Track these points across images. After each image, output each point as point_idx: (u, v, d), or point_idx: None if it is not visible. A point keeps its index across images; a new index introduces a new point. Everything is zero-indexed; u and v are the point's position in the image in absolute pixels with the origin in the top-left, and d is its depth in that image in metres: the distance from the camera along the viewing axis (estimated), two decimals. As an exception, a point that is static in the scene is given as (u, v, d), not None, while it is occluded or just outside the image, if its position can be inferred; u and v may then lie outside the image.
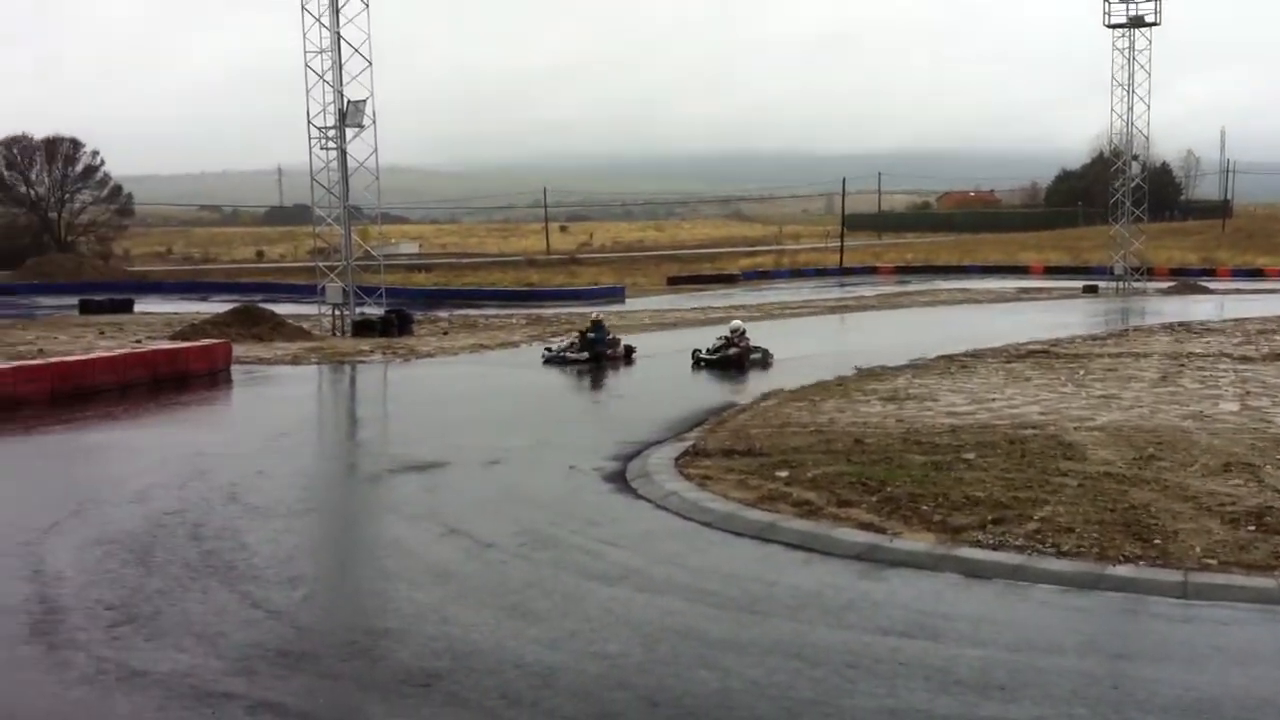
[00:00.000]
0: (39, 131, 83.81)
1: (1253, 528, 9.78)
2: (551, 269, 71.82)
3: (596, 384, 21.90)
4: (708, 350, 23.59)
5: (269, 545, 10.08)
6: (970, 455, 12.89)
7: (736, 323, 24.83)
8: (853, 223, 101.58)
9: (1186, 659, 7.26)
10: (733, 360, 23.21)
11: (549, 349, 25.64)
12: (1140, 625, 7.98)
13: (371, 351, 27.31)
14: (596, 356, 24.30)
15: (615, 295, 50.78)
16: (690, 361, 23.54)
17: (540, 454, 13.37)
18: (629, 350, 25.44)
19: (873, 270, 73.10)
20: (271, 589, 8.80)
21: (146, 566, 9.34)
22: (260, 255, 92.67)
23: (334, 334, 32.41)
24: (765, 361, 23.85)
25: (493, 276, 64.48)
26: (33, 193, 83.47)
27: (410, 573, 9.35)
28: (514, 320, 37.28)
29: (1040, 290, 51.58)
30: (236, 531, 10.54)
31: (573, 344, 24.92)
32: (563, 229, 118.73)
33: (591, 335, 24.61)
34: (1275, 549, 9.17)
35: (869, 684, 6.79)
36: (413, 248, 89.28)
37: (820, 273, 71.04)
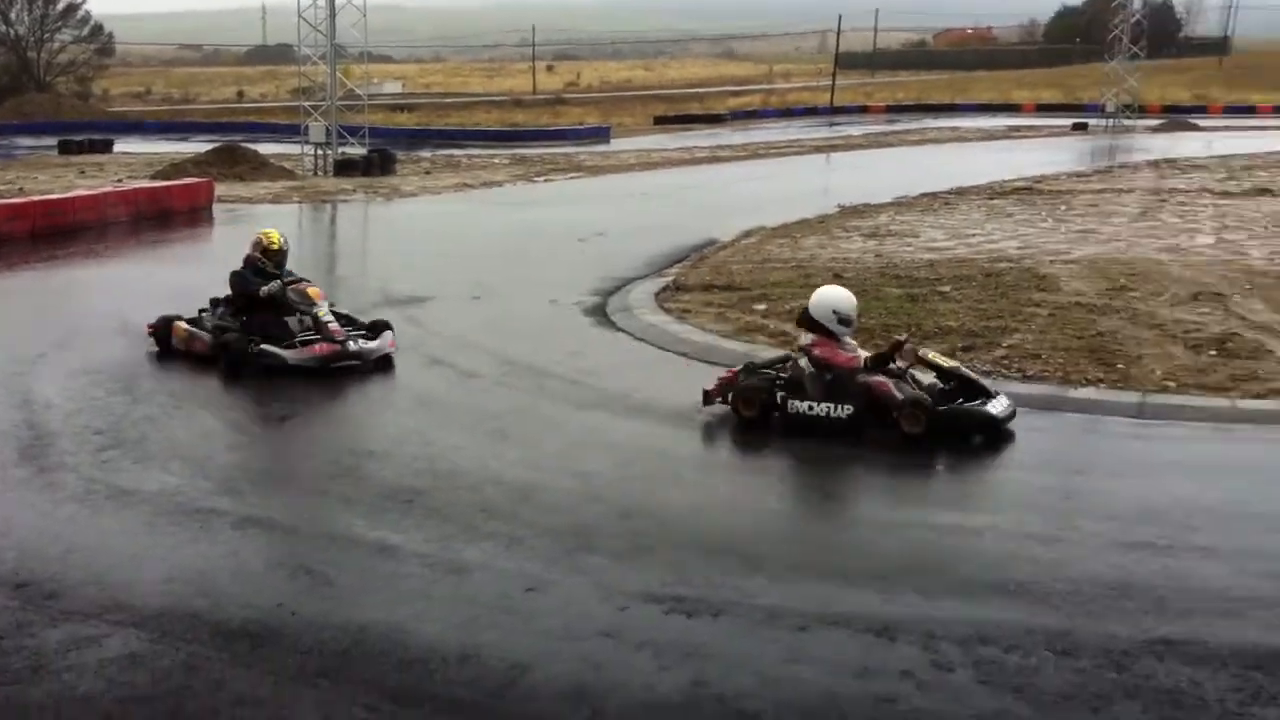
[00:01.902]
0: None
1: (1214, 353, 10.05)
2: (537, 109, 70.84)
3: (577, 224, 21.87)
4: None
5: (256, 376, 10.28)
6: (946, 288, 13.07)
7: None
8: (846, 62, 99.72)
9: (1138, 473, 7.58)
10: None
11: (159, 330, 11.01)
12: (1096, 443, 8.28)
13: (354, 191, 27.18)
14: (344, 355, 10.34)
15: (600, 136, 50.20)
16: None
17: (522, 290, 13.50)
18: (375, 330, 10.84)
19: (863, 109, 72.09)
20: (257, 416, 9.04)
21: (132, 395, 9.53)
22: (241, 95, 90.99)
23: (316, 173, 32.16)
24: None
25: (477, 117, 63.59)
26: (12, 32, 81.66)
27: (395, 400, 9.62)
28: (498, 160, 36.97)
29: (1030, 128, 51.08)
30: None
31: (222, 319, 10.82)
32: (549, 68, 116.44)
33: (269, 287, 10.57)
34: (1233, 372, 9.46)
35: (828, 498, 7.09)
36: (396, 87, 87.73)
37: (810, 112, 70.05)
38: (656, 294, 13.69)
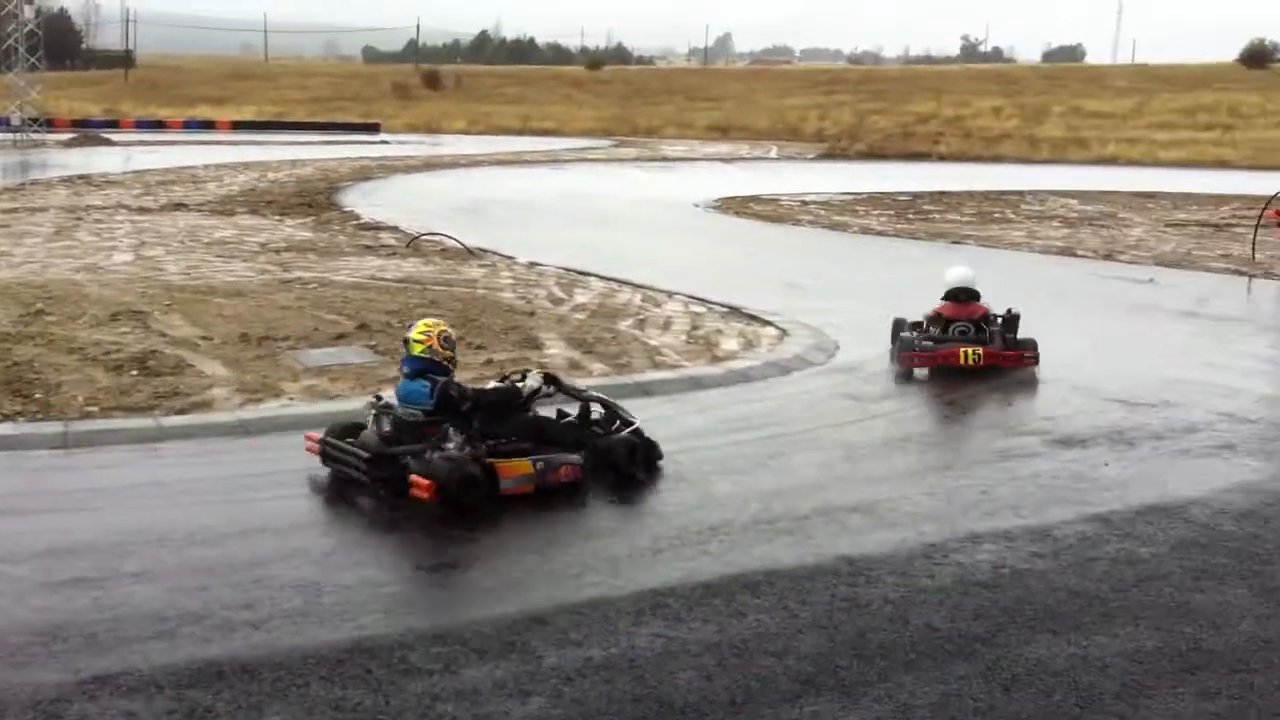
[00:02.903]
0: None
1: (136, 372, 10.04)
2: None
3: None
4: None
5: None
6: None
7: None
8: None
9: (66, 507, 7.22)
10: None
11: None
12: (16, 481, 7.73)
13: None
14: None
15: None
16: None
17: None
18: None
19: None
20: None
21: None
22: None
23: None
24: None
25: None
26: None
27: None
28: None
29: (-73, 142, 47.05)
30: None
31: None
32: None
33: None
34: (156, 390, 9.52)
35: None
36: None
37: None
38: None
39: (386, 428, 7.52)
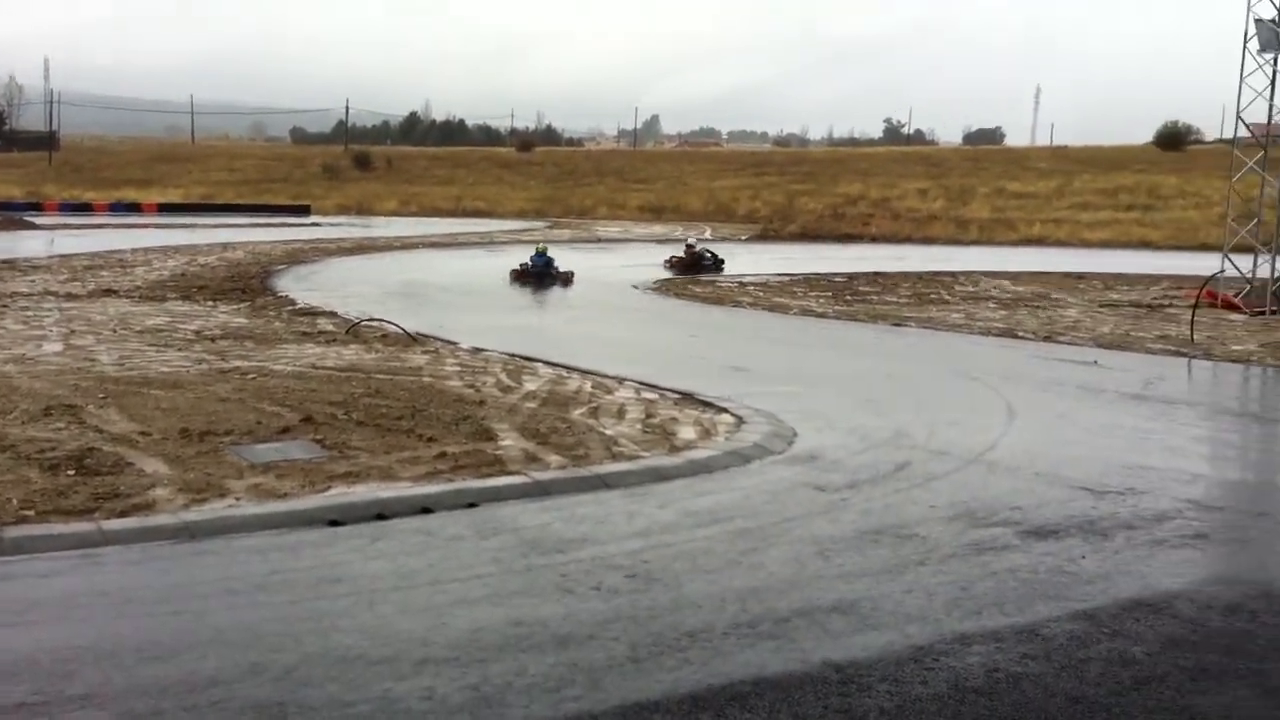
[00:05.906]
0: None
1: (73, 472, 9.55)
2: None
3: None
4: None
5: None
6: None
7: None
8: None
9: (2, 622, 6.76)
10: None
11: None
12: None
13: None
14: None
15: None
16: None
17: None
18: None
19: None
20: None
21: None
22: None
23: None
24: None
25: None
26: None
27: None
28: None
29: None
30: None
31: None
32: None
33: None
34: (95, 490, 9.04)
35: None
36: None
37: None
38: None
39: None
